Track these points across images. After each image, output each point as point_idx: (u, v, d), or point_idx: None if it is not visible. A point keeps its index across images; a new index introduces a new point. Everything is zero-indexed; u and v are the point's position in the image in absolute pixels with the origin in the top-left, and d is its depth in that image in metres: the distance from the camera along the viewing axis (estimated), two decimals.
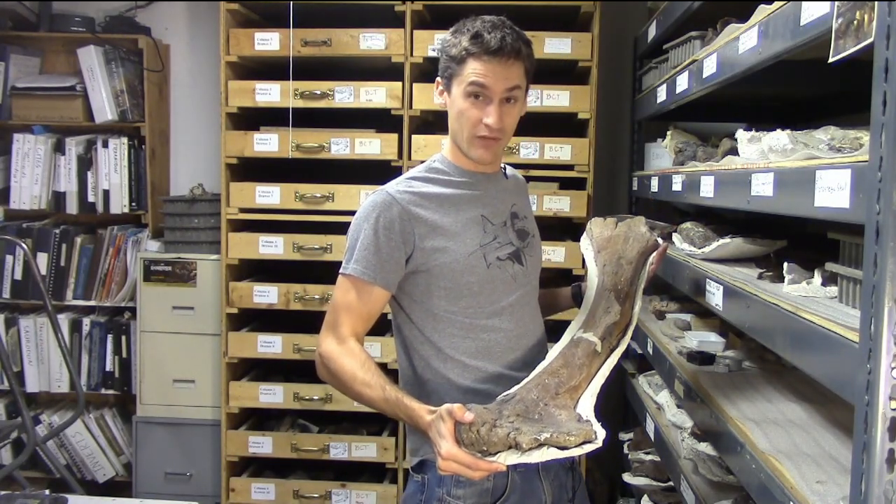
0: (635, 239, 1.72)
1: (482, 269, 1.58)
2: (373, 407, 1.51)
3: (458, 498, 1.55)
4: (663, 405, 2.31)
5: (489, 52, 1.51)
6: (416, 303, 1.61)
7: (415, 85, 2.92)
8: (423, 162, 1.73)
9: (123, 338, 3.44)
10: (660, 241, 1.75)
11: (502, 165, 1.75)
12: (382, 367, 1.57)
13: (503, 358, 1.61)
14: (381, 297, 1.58)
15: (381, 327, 1.72)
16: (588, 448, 1.27)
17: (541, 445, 1.25)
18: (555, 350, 1.54)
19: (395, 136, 2.95)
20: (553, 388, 1.40)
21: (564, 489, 1.67)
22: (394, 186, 1.61)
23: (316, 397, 3.00)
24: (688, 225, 2.08)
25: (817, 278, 1.35)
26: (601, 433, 1.29)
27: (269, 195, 3.00)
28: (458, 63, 1.55)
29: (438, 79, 1.63)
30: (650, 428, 2.37)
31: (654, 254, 1.72)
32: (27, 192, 3.44)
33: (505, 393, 1.44)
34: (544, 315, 1.79)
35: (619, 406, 3.25)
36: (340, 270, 1.59)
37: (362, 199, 2.25)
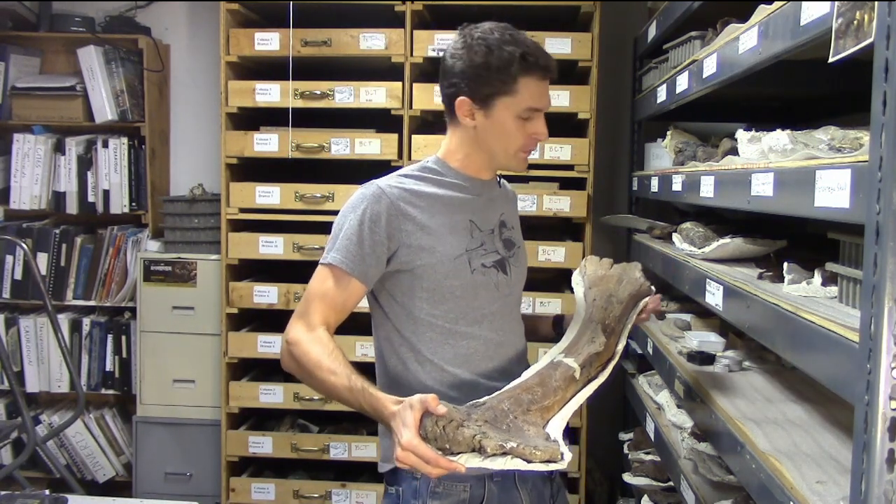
0: (628, 282, 1.73)
1: (466, 274, 1.56)
2: (336, 397, 1.43)
3: None
4: (663, 405, 2.31)
5: (544, 75, 1.56)
6: (398, 304, 1.58)
7: (415, 85, 2.92)
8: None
9: (123, 338, 3.44)
10: (653, 288, 1.76)
11: (498, 175, 1.72)
12: (371, 368, 1.55)
13: (481, 366, 1.59)
14: (357, 291, 1.53)
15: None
16: (552, 467, 1.24)
17: (505, 454, 1.22)
18: (532, 368, 1.52)
19: (395, 136, 2.95)
20: (525, 404, 1.37)
21: (543, 499, 1.65)
22: (385, 181, 1.59)
23: (316, 397, 3.00)
24: (688, 225, 2.08)
25: (817, 278, 1.35)
26: (567, 456, 1.26)
27: (269, 195, 3.01)
28: (506, 83, 1.52)
29: (464, 98, 1.53)
30: (650, 428, 2.37)
31: (647, 300, 1.72)
32: (27, 192, 3.44)
33: (475, 400, 1.39)
34: None
35: (619, 406, 3.25)
36: (320, 260, 1.55)
37: None
